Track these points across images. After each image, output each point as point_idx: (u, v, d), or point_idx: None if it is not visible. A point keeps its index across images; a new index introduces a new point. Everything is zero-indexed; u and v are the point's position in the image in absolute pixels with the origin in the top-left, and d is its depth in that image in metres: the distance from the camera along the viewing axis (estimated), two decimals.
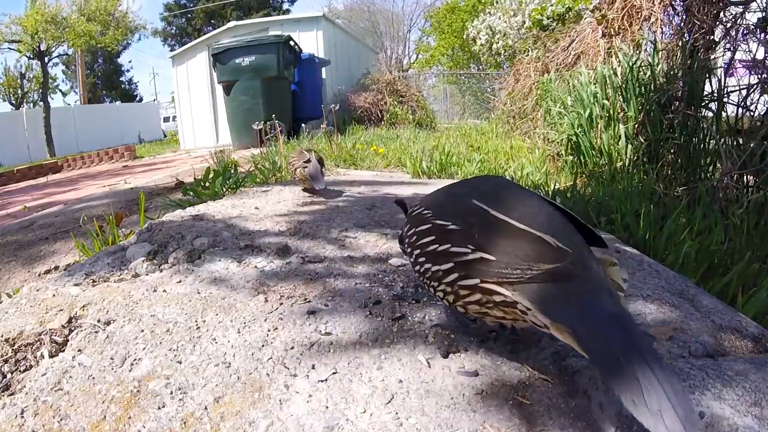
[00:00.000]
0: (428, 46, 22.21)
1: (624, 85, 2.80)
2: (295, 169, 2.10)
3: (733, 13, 2.23)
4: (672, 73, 2.49)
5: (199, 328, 0.93)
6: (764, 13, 2.01)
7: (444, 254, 0.69)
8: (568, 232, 0.65)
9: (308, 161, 2.07)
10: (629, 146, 2.62)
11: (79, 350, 0.88)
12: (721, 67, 2.22)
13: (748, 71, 2.10)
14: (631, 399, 0.53)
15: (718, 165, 2.14)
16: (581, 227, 0.68)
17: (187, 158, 7.30)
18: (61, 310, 1.02)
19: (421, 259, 0.74)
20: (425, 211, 0.77)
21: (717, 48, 2.35)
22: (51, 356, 0.87)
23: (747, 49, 2.08)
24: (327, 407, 0.71)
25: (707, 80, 2.30)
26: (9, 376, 0.82)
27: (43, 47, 14.01)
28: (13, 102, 20.74)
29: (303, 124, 6.69)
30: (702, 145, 2.25)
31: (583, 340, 0.57)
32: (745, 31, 2.11)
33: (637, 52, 3.27)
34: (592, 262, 0.63)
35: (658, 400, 0.52)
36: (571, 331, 0.59)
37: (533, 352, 0.83)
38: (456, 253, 0.68)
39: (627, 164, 2.58)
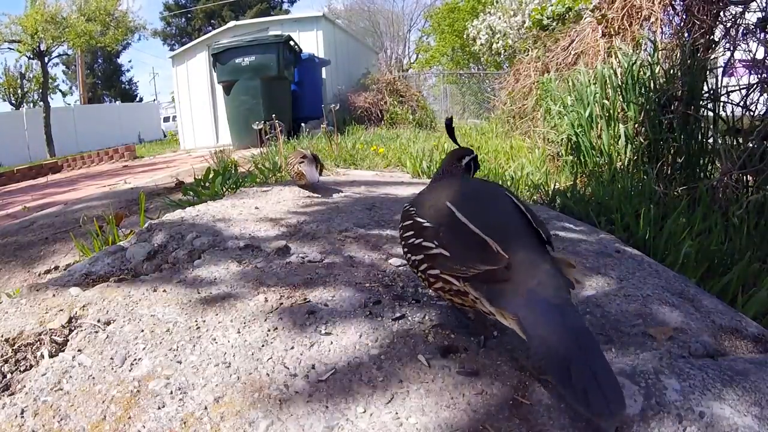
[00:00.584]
0: (428, 46, 22.20)
1: (624, 85, 2.80)
2: (292, 167, 2.17)
3: (733, 12, 2.22)
4: (672, 72, 2.49)
5: (199, 328, 0.93)
6: (764, 13, 2.01)
7: (418, 247, 0.81)
8: (520, 237, 0.73)
9: (304, 157, 2.15)
10: (629, 146, 2.62)
11: (79, 350, 0.88)
12: (721, 66, 2.22)
13: (748, 71, 2.10)
14: (560, 377, 0.60)
15: (718, 165, 2.14)
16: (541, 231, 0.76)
17: (187, 158, 7.30)
18: (61, 310, 1.02)
19: (405, 249, 0.86)
20: (411, 209, 0.87)
21: (717, 48, 2.35)
22: (51, 356, 0.87)
23: (747, 49, 2.08)
24: (327, 407, 0.71)
25: (707, 80, 2.30)
26: (9, 376, 0.82)
27: (43, 47, 14.00)
28: (13, 102, 20.74)
29: (303, 124, 6.69)
30: (702, 145, 2.25)
31: (525, 325, 0.65)
32: (744, 31, 2.11)
33: (637, 51, 3.28)
34: (541, 260, 0.71)
35: (584, 381, 0.58)
36: (515, 318, 0.67)
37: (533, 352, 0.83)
38: (426, 247, 0.79)
39: (627, 164, 2.58)
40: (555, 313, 0.65)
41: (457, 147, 1.05)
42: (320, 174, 2.25)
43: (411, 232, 0.83)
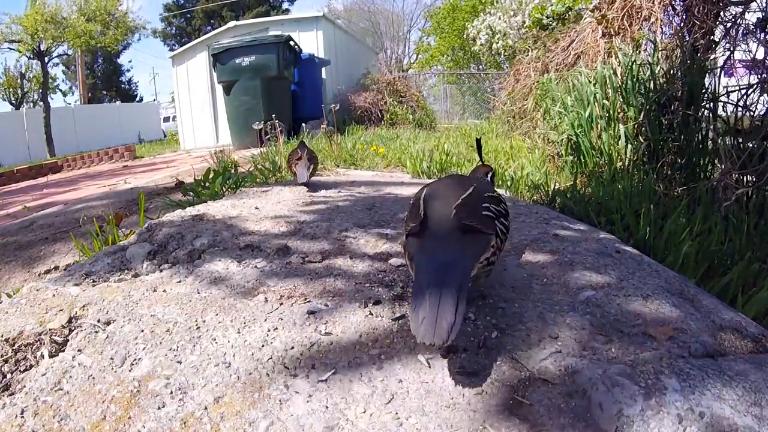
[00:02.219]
0: (428, 46, 22.19)
1: (624, 85, 2.80)
2: (289, 165, 2.27)
3: (733, 13, 2.22)
4: (672, 73, 2.49)
5: (199, 328, 0.93)
6: (764, 13, 2.01)
7: (405, 220, 0.98)
8: (444, 211, 0.89)
9: (299, 158, 2.25)
10: (629, 146, 2.62)
11: (79, 350, 0.88)
12: (721, 67, 2.22)
13: (748, 71, 2.10)
14: (412, 309, 0.74)
15: (718, 165, 2.14)
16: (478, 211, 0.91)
17: (187, 158, 7.30)
18: (61, 310, 1.02)
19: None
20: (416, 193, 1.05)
21: (717, 48, 2.35)
22: (51, 356, 0.87)
23: (747, 49, 2.08)
24: (327, 407, 0.71)
25: (707, 80, 2.30)
26: (9, 376, 0.82)
27: (43, 47, 13.99)
28: (13, 102, 20.72)
29: (303, 124, 6.69)
30: (702, 145, 2.25)
31: (416, 273, 0.82)
32: (744, 31, 2.11)
33: (637, 52, 3.28)
34: (448, 227, 0.87)
35: (426, 314, 0.71)
36: (415, 267, 0.84)
37: (533, 352, 0.83)
38: (405, 219, 0.98)
39: (627, 164, 2.58)
40: (438, 266, 0.79)
41: (482, 163, 1.25)
42: (313, 173, 2.34)
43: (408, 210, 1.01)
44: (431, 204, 0.91)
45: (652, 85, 2.59)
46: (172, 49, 21.73)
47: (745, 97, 2.03)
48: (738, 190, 1.81)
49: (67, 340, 0.92)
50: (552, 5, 6.49)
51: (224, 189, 2.39)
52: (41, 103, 15.52)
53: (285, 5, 28.61)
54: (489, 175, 1.19)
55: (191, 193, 2.33)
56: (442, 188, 0.98)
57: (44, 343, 0.90)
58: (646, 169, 2.39)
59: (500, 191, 2.58)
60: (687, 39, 2.43)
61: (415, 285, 0.78)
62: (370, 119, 8.54)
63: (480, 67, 16.24)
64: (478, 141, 1.29)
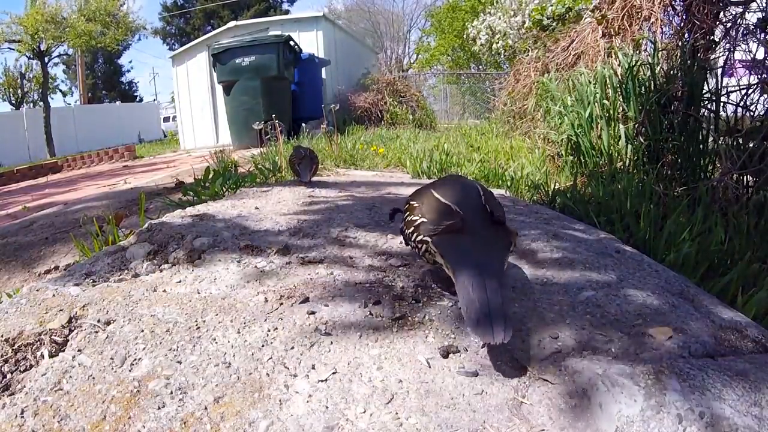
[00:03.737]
0: (428, 46, 22.17)
1: (624, 85, 2.79)
2: (291, 164, 2.39)
3: (733, 13, 2.22)
4: (672, 73, 2.49)
5: (199, 328, 0.93)
6: (764, 13, 2.01)
7: (411, 222, 1.00)
8: (472, 208, 0.93)
9: (303, 158, 2.34)
10: (629, 146, 2.62)
11: (79, 350, 0.88)
12: (721, 67, 2.22)
13: (748, 71, 2.10)
14: (469, 310, 0.78)
15: (718, 165, 2.14)
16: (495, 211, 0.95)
17: (187, 158, 7.30)
18: (61, 310, 1.02)
19: (402, 226, 1.07)
20: (409, 198, 1.08)
21: (717, 48, 2.35)
22: (51, 356, 0.87)
23: (747, 49, 2.08)
24: (327, 407, 0.71)
25: (707, 80, 2.30)
26: (9, 376, 0.82)
27: (43, 47, 13.98)
28: (13, 102, 20.72)
29: (303, 124, 6.68)
30: (702, 145, 2.25)
31: (455, 275, 0.84)
32: (745, 31, 2.11)
33: (637, 52, 3.27)
34: (481, 227, 0.91)
35: (483, 316, 0.76)
36: (452, 269, 0.86)
37: (533, 352, 0.83)
38: (414, 221, 0.99)
39: (627, 164, 2.58)
40: (475, 267, 0.83)
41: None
42: (314, 173, 2.44)
43: (408, 213, 1.04)
44: (458, 203, 0.93)
45: (652, 85, 2.58)
46: (171, 49, 21.76)
47: (745, 97, 2.03)
48: (738, 190, 1.81)
49: (67, 340, 0.92)
50: (552, 5, 6.49)
51: (224, 189, 2.39)
52: (41, 103, 15.51)
53: (285, 5, 28.62)
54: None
55: (191, 193, 2.33)
56: (453, 188, 1.00)
57: (44, 343, 0.90)
58: (646, 169, 2.39)
59: (500, 191, 2.58)
60: (687, 39, 2.43)
61: (464, 286, 0.81)
62: (370, 119, 8.53)
63: (480, 67, 16.23)
64: None
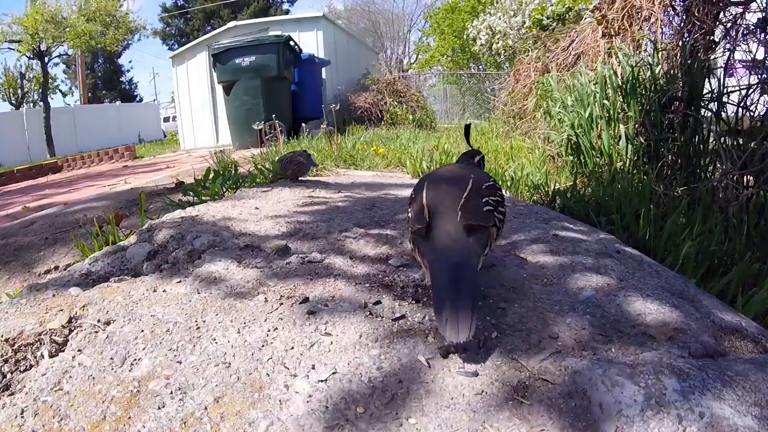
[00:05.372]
0: (428, 46, 22.16)
1: (624, 86, 2.79)
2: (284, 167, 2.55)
3: (733, 13, 2.22)
4: (672, 73, 2.49)
5: (199, 328, 0.93)
6: (764, 13, 2.01)
7: (408, 214, 1.05)
8: (446, 209, 0.94)
9: (299, 157, 2.54)
10: (629, 146, 2.62)
11: (79, 350, 0.88)
12: (721, 67, 2.22)
13: (748, 71, 2.10)
14: (436, 309, 0.82)
15: (719, 165, 2.14)
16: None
17: (187, 158, 7.30)
18: (61, 310, 1.02)
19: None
20: (414, 186, 1.08)
21: (717, 48, 2.35)
22: (51, 356, 0.87)
23: (747, 50, 2.08)
24: (327, 407, 0.71)
25: (707, 80, 2.30)
26: (9, 376, 0.82)
27: (43, 47, 13.99)
28: (13, 102, 20.71)
29: (303, 124, 6.69)
30: (702, 146, 2.25)
31: (431, 272, 0.88)
32: (745, 32, 2.11)
33: (637, 52, 3.27)
34: (453, 228, 0.91)
35: (448, 315, 0.79)
36: (428, 266, 0.90)
37: (533, 352, 0.83)
38: (408, 214, 1.03)
39: (627, 164, 2.58)
40: (451, 266, 0.86)
41: (470, 148, 1.27)
42: (300, 174, 2.61)
43: (409, 203, 1.07)
44: (435, 204, 0.95)
45: (652, 85, 2.58)
46: (171, 49, 21.75)
47: (745, 97, 2.03)
48: (739, 190, 1.81)
49: (67, 340, 0.92)
50: (552, 6, 6.49)
51: (224, 189, 2.39)
52: (41, 103, 15.51)
53: (285, 5, 28.61)
54: (477, 159, 1.22)
55: (191, 194, 2.33)
56: (443, 184, 1.02)
57: (44, 343, 0.90)
58: (646, 169, 2.39)
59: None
60: (687, 39, 2.43)
61: (434, 288, 0.86)
62: (370, 119, 8.53)
63: (480, 67, 16.23)
64: (467, 127, 1.34)
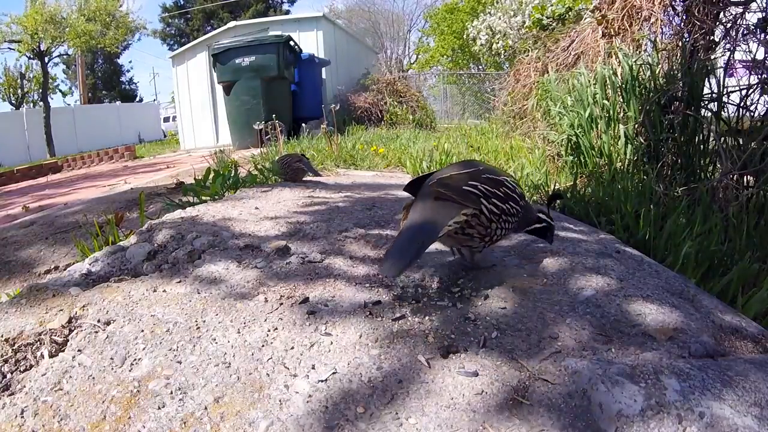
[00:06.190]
0: (428, 47, 22.16)
1: (624, 86, 2.79)
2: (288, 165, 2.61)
3: (733, 13, 2.23)
4: (672, 73, 2.49)
5: (199, 328, 0.93)
6: (764, 13, 2.01)
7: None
8: (436, 182, 1.03)
9: (299, 160, 2.58)
10: (629, 146, 2.62)
11: (79, 350, 0.88)
12: (721, 67, 2.22)
13: (748, 71, 2.10)
14: (386, 252, 0.96)
15: (719, 165, 2.14)
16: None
17: (187, 158, 7.30)
18: (61, 310, 1.02)
19: None
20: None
21: (717, 48, 2.35)
22: (51, 356, 0.87)
23: (747, 50, 2.08)
24: (327, 407, 0.71)
25: (707, 80, 2.30)
26: (9, 376, 0.82)
27: (43, 47, 13.98)
28: (13, 102, 20.70)
29: (303, 124, 6.69)
30: (702, 146, 2.25)
31: (401, 227, 1.01)
32: (745, 32, 2.11)
33: (637, 52, 3.27)
34: (427, 196, 1.02)
35: (390, 256, 0.93)
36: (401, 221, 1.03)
37: (533, 352, 0.83)
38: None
39: (627, 164, 2.57)
40: (409, 221, 0.99)
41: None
42: (298, 176, 2.65)
43: None
44: (432, 176, 1.08)
45: (652, 85, 2.58)
46: (171, 49, 21.76)
47: (745, 97, 2.03)
48: (739, 190, 1.81)
49: (67, 340, 0.92)
50: (552, 5, 6.49)
51: (224, 189, 2.39)
52: (41, 103, 15.50)
53: (285, 5, 28.61)
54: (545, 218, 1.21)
55: (191, 194, 2.33)
56: (452, 167, 1.13)
57: (44, 343, 0.90)
58: (646, 169, 2.39)
59: None
60: (687, 39, 2.43)
61: (397, 234, 1.00)
62: (370, 119, 8.53)
63: (480, 67, 16.23)
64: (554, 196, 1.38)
